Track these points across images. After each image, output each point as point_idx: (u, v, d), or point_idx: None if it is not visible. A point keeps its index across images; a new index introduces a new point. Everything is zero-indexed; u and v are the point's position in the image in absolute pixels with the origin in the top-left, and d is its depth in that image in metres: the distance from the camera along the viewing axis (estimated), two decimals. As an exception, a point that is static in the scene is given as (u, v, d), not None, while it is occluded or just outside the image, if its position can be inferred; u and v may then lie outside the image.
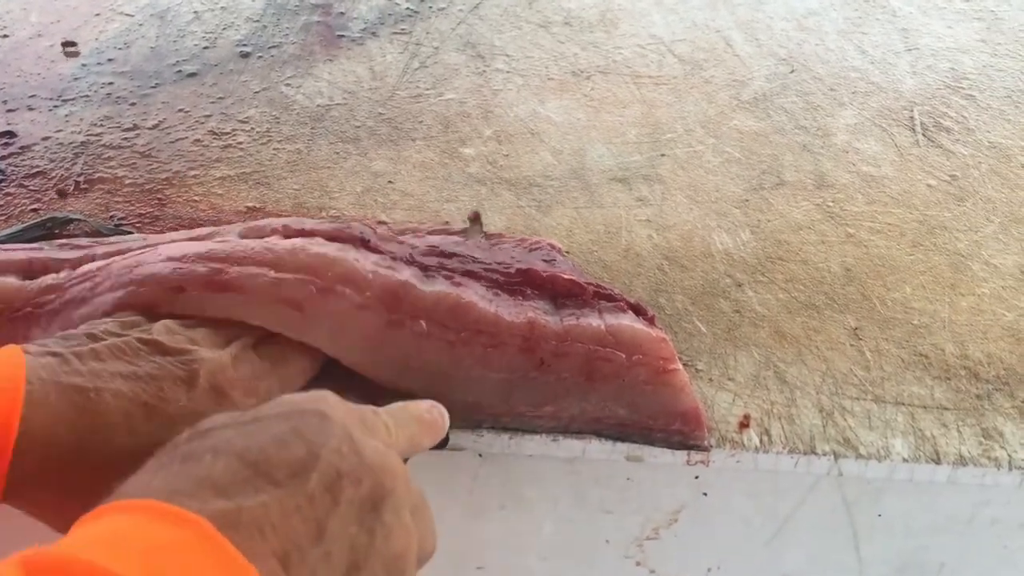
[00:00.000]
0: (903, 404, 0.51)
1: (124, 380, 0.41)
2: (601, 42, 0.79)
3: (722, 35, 0.79)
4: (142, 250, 0.52)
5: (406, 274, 0.49)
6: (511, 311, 0.50)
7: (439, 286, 0.50)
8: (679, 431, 0.49)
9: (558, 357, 0.49)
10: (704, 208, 0.63)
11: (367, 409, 0.41)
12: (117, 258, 0.51)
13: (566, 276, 0.53)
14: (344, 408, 0.39)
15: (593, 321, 0.50)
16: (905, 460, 0.49)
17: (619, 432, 0.50)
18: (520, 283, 0.52)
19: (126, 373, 0.41)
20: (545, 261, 0.56)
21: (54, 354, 0.41)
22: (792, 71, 0.75)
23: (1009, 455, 0.49)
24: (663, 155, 0.67)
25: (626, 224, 0.62)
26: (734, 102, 0.72)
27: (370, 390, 0.48)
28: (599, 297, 0.52)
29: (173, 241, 0.53)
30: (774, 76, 0.75)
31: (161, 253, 0.49)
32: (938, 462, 0.49)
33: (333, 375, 0.49)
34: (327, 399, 0.39)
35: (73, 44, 0.76)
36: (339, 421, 0.37)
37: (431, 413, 0.46)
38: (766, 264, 0.59)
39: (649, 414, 0.49)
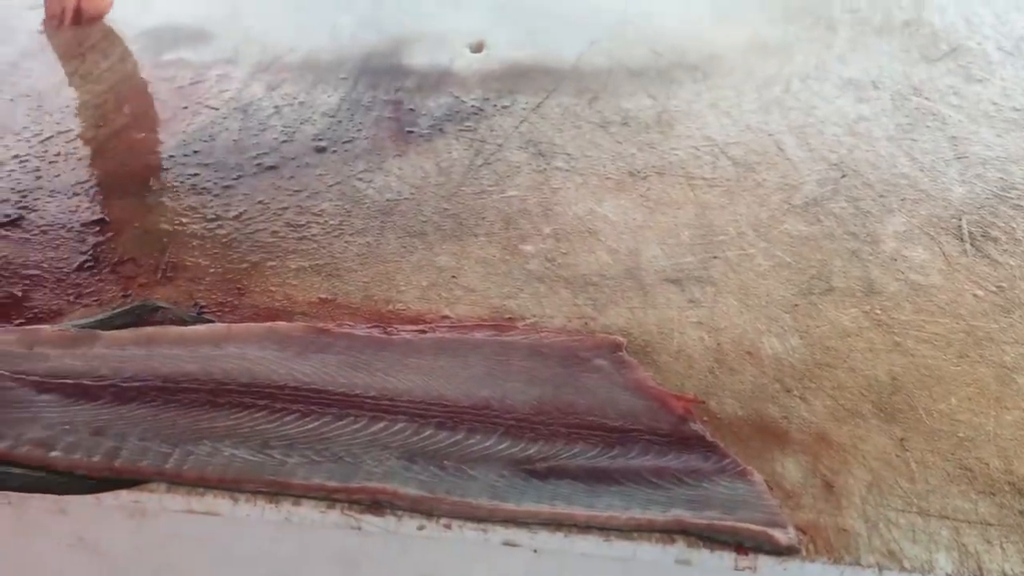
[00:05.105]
0: (947, 518, 0.52)
1: None
2: (657, 142, 0.82)
3: (774, 139, 0.82)
4: None
5: None
6: None
7: None
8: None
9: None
10: (755, 312, 0.66)
11: None
12: None
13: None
14: None
15: None
16: (948, 575, 0.50)
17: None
18: None
19: None
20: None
21: None
22: (843, 176, 0.78)
23: (1053, 575, 0.50)
24: (715, 257, 0.70)
25: (678, 325, 0.64)
26: (785, 206, 0.75)
27: None
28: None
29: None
30: (825, 181, 0.78)
31: None
32: (982, 579, 0.50)
33: None
34: None
35: None
36: None
37: None
38: (814, 370, 0.61)
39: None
